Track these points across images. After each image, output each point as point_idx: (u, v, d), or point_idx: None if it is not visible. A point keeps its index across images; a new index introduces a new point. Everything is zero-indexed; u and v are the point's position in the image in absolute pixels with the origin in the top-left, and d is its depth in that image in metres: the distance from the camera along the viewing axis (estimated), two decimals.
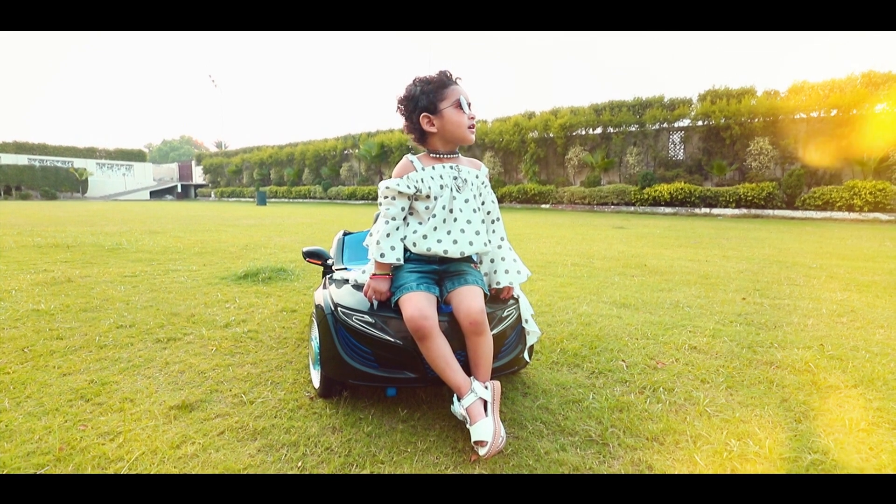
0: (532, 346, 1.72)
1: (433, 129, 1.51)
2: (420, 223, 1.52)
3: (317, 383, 1.66)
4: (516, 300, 1.63)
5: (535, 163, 22.52)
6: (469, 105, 1.51)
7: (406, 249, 1.51)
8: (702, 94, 18.98)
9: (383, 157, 28.28)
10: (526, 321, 1.62)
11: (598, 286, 3.70)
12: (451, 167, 1.54)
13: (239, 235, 7.79)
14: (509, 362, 1.56)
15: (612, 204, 19.31)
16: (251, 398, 1.63)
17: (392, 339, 1.43)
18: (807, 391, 1.73)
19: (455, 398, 1.36)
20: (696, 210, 17.26)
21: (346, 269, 1.97)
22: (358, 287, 1.60)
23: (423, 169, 1.51)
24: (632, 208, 18.74)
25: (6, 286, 3.39)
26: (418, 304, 1.36)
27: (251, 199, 35.09)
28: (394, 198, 1.51)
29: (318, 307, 1.63)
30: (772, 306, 3.05)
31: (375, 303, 1.49)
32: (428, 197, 1.49)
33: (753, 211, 16.07)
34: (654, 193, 17.98)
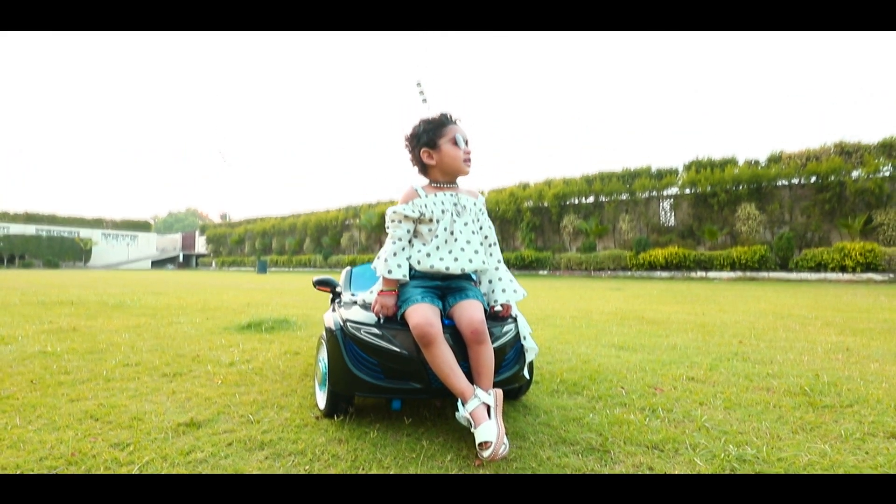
0: (532, 364, 1.77)
1: (432, 162, 1.70)
2: (424, 244, 1.65)
3: (322, 404, 1.69)
4: (514, 318, 1.72)
5: (531, 230, 23.12)
6: (466, 142, 1.70)
7: (411, 268, 1.63)
8: (686, 164, 19.99)
9: (383, 226, 28.90)
10: (524, 338, 1.70)
11: (596, 334, 3.74)
12: (452, 195, 1.70)
13: (241, 296, 7.86)
14: (510, 377, 1.61)
15: (609, 269, 19.56)
16: (258, 418, 1.65)
17: (398, 350, 1.50)
18: (803, 410, 1.76)
19: (459, 403, 1.41)
20: (692, 273, 17.47)
21: (353, 295, 2.07)
22: (365, 306, 1.70)
23: (426, 196, 1.67)
24: (628, 273, 18.96)
25: (13, 334, 3.43)
26: (424, 313, 1.46)
27: (251, 268, 35.40)
28: (400, 221, 1.65)
29: (327, 326, 1.71)
30: (768, 346, 3.09)
31: (382, 318, 1.58)
32: (431, 220, 1.64)
33: (749, 273, 16.28)
34: (649, 258, 18.30)
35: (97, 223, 50.13)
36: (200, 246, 49.83)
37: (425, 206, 1.65)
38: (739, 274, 16.40)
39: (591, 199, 22.16)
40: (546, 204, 22.82)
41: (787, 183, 17.67)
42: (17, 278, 14.88)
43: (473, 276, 1.72)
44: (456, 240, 1.63)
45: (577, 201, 22.38)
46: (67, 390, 1.97)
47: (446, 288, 1.63)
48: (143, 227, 54.66)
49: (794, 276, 15.44)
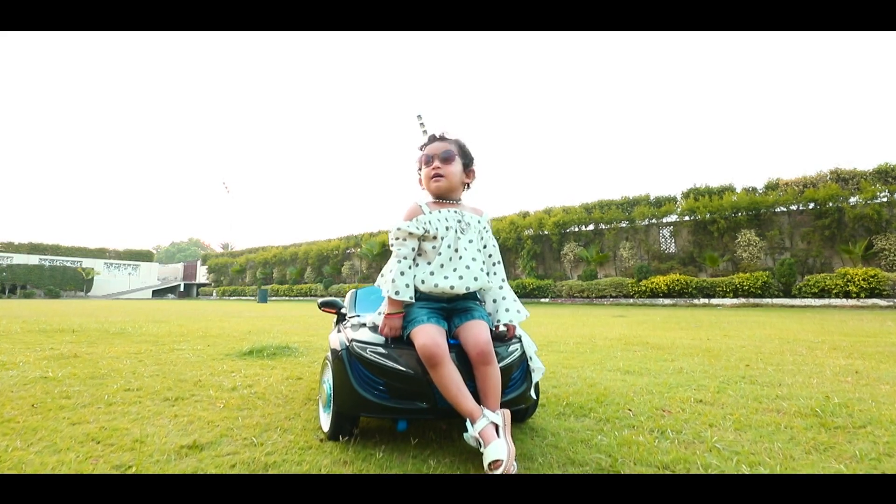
0: (538, 385, 1.76)
1: (421, 185, 1.77)
2: (428, 263, 1.66)
3: (326, 426, 1.67)
4: (519, 338, 1.71)
5: (531, 259, 23.16)
6: (433, 158, 1.72)
7: (416, 290, 1.63)
8: (685, 192, 20.21)
9: (385, 255, 29.09)
10: (530, 358, 1.69)
11: (601, 359, 3.71)
12: (455, 212, 1.72)
13: (242, 324, 7.81)
14: (517, 398, 1.60)
15: (611, 296, 19.48)
16: (261, 441, 1.63)
17: (404, 370, 1.49)
18: (815, 430, 1.73)
19: (468, 423, 1.39)
20: (695, 300, 17.37)
21: (358, 316, 2.06)
22: (371, 327, 1.70)
23: (430, 212, 1.70)
24: (630, 300, 18.87)
25: (14, 360, 3.40)
26: (430, 334, 1.45)
27: (252, 298, 35.27)
28: (405, 238, 1.66)
29: (332, 348, 1.70)
30: (775, 370, 3.05)
31: (388, 339, 1.58)
32: (435, 237, 1.66)
33: (752, 300, 16.18)
34: (651, 285, 18.25)
35: (100, 253, 50.40)
36: (202, 275, 49.85)
37: (429, 222, 1.66)
38: (742, 300, 16.31)
39: (591, 227, 22.30)
40: (546, 232, 22.94)
41: (785, 209, 17.82)
42: (18, 307, 14.83)
43: (478, 295, 1.73)
44: (461, 257, 1.64)
45: (577, 229, 22.51)
46: (68, 414, 1.95)
47: (452, 309, 1.63)
48: (145, 256, 54.91)
49: (797, 302, 15.36)
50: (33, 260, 43.91)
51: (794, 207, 17.61)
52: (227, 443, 1.61)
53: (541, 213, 23.77)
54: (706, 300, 17.16)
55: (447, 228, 1.67)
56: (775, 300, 15.82)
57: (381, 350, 1.53)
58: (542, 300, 21.27)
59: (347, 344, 1.61)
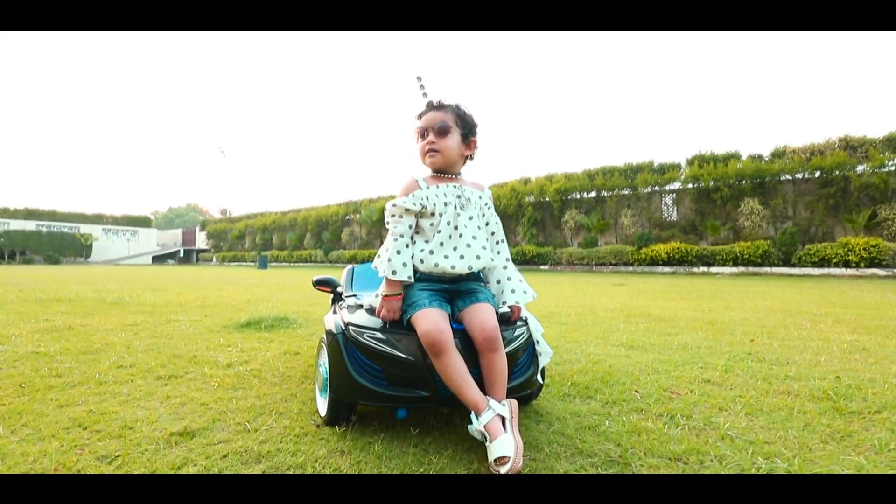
0: (544, 368, 1.69)
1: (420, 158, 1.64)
2: (426, 241, 1.54)
3: (323, 411, 1.61)
4: (525, 321, 1.63)
5: (532, 226, 23.00)
6: (427, 132, 1.58)
7: (416, 270, 1.53)
8: (689, 159, 19.84)
9: (384, 221, 28.84)
10: (537, 342, 1.61)
11: (603, 332, 3.66)
12: (455, 186, 1.60)
13: (241, 292, 7.77)
14: (522, 383, 1.52)
15: (611, 264, 19.47)
16: (255, 426, 1.57)
17: (403, 356, 1.40)
18: (829, 416, 1.67)
19: (472, 416, 1.32)
20: (694, 269, 17.37)
21: (355, 296, 1.97)
22: (369, 310, 1.60)
23: (427, 187, 1.57)
24: (630, 268, 18.87)
25: (6, 332, 3.34)
26: (433, 319, 1.36)
27: (252, 263, 35.31)
28: (401, 216, 1.54)
29: (328, 330, 1.61)
30: (781, 346, 3.00)
31: (387, 323, 1.48)
32: (433, 214, 1.54)
33: (751, 269, 16.17)
34: (651, 253, 18.19)
35: (97, 219, 50.09)
36: (201, 241, 49.76)
37: (426, 197, 1.54)
38: (742, 269, 16.30)
39: (592, 194, 22.01)
40: (547, 199, 22.68)
41: (790, 178, 17.53)
42: (17, 274, 14.81)
43: (481, 276, 1.62)
44: (461, 235, 1.53)
45: (578, 196, 22.24)
46: (57, 395, 1.89)
47: (454, 291, 1.53)
48: (143, 222, 54.63)
49: (796, 271, 15.34)
50: (30, 226, 43.67)
51: (799, 176, 17.33)
52: (219, 428, 1.55)
53: (542, 180, 23.44)
54: (705, 268, 17.16)
55: (446, 204, 1.55)
56: (774, 269, 15.81)
57: (378, 335, 1.44)
58: (542, 267, 21.29)
59: (343, 328, 1.52)
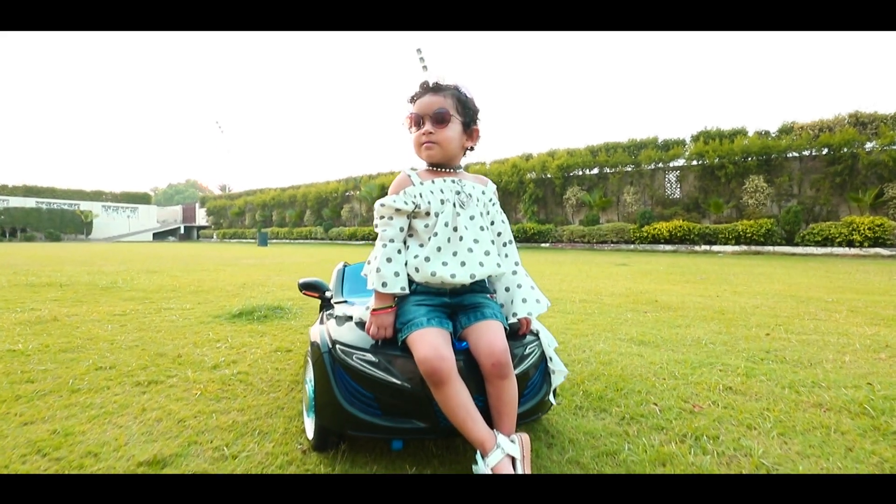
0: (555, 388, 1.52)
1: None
2: (421, 245, 1.35)
3: (311, 434, 1.44)
4: (537, 335, 1.45)
5: (533, 203, 22.71)
6: (424, 118, 1.37)
7: (410, 280, 1.34)
8: (694, 135, 19.42)
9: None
10: (550, 359, 1.43)
11: (611, 323, 3.50)
12: (454, 181, 1.39)
13: (237, 274, 7.62)
14: (534, 407, 1.35)
15: (612, 242, 19.29)
16: (234, 452, 1.41)
17: (399, 382, 1.22)
18: (871, 438, 1.52)
19: (478, 456, 1.15)
20: (696, 247, 17.20)
21: (345, 302, 1.79)
22: (360, 323, 1.42)
23: (421, 183, 1.37)
24: (631, 246, 18.70)
25: None
26: (433, 343, 1.17)
27: (252, 240, 35.11)
28: (391, 217, 1.34)
29: (313, 344, 1.44)
30: (800, 342, 2.85)
31: (379, 341, 1.31)
32: (428, 214, 1.34)
33: (753, 247, 16.00)
34: (653, 231, 18.00)
35: (96, 196, 49.63)
36: (201, 218, 49.42)
37: (420, 195, 1.34)
38: (744, 248, 16.13)
39: (595, 171, 21.64)
40: (549, 175, 22.31)
41: (797, 155, 17.16)
42: (17, 253, 14.63)
43: (488, 285, 1.43)
44: (461, 238, 1.32)
45: (581, 173, 21.87)
46: (23, 408, 1.73)
47: (457, 304, 1.34)
48: (142, 199, 54.18)
49: (799, 250, 15.17)
50: (30, 203, 43.27)
51: (806, 153, 16.95)
52: (194, 454, 1.39)
53: (544, 156, 23.02)
54: (707, 247, 16.99)
55: (443, 202, 1.34)
56: (777, 248, 15.64)
57: (370, 357, 1.25)
58: (543, 245, 21.12)
59: (330, 346, 1.34)
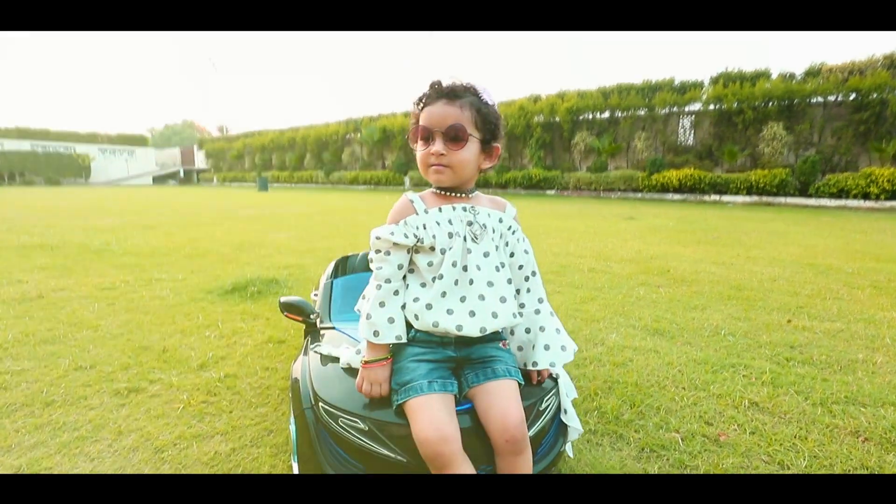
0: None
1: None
2: (423, 285, 1.12)
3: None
4: (555, 381, 1.26)
5: (540, 148, 21.93)
6: (434, 135, 1.08)
7: (409, 326, 1.13)
8: (714, 77, 18.32)
9: (385, 141, 27.69)
10: (565, 411, 1.24)
11: (622, 302, 3.33)
12: (465, 208, 1.14)
13: (236, 231, 7.42)
14: (547, 466, 1.18)
15: (619, 190, 18.81)
16: None
17: (392, 456, 1.04)
18: None
19: None
20: (706, 197, 16.75)
21: (334, 328, 1.58)
22: (349, 371, 1.21)
23: (426, 211, 1.12)
24: (639, 195, 18.25)
25: None
26: (434, 419, 0.98)
27: (253, 184, 34.56)
28: (388, 252, 1.10)
29: (293, 386, 1.25)
30: (825, 333, 2.67)
31: (370, 401, 1.10)
32: (433, 249, 1.09)
33: (765, 198, 15.56)
34: (662, 180, 17.48)
35: (92, 138, 48.31)
36: (200, 161, 48.40)
37: (423, 226, 1.09)
38: (755, 199, 15.68)
39: (606, 115, 20.64)
40: (558, 119, 21.33)
41: (822, 101, 16.18)
42: (15, 202, 14.35)
43: (500, 330, 1.20)
44: (471, 281, 1.08)
45: (590, 117, 20.88)
46: None
47: (464, 359, 1.13)
48: (139, 141, 52.83)
49: (812, 202, 14.74)
50: (25, 146, 42.20)
51: (831, 98, 15.98)
52: None
53: (553, 98, 21.91)
54: (717, 197, 16.54)
55: (451, 236, 1.10)
56: (789, 199, 15.19)
57: (359, 425, 1.06)
58: (548, 192, 20.68)
59: (313, 402, 1.16)
